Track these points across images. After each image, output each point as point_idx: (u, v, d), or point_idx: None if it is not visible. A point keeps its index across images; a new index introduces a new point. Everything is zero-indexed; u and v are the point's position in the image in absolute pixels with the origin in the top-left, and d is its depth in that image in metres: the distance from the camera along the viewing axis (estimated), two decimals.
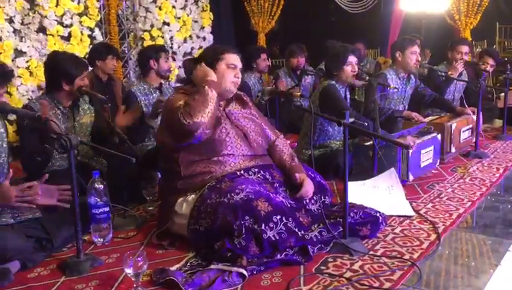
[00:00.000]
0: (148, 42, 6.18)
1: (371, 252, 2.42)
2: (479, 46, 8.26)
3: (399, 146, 3.19)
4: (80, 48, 5.23)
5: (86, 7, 5.40)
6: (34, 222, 2.42)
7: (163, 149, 2.71)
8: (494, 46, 8.46)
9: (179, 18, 6.53)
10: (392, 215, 2.88)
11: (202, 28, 6.93)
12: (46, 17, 5.02)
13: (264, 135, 2.81)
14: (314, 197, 2.68)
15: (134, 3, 6.40)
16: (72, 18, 5.24)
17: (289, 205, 2.50)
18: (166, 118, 2.63)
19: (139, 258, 2.03)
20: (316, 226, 2.53)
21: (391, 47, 4.65)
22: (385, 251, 2.45)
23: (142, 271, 2.06)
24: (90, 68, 4.32)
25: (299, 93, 3.12)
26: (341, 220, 2.50)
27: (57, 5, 5.09)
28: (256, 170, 2.61)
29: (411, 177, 3.50)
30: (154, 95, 3.64)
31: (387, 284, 2.12)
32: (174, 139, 2.55)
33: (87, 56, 4.78)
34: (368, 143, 3.54)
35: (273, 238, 2.28)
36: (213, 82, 2.53)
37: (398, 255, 2.39)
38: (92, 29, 5.45)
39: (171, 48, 6.42)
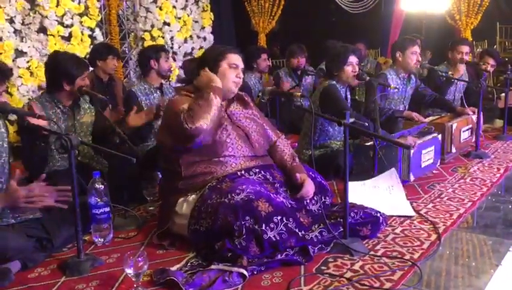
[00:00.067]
0: (148, 42, 6.18)
1: (372, 253, 2.42)
2: (479, 46, 8.26)
3: (399, 146, 3.19)
4: (81, 48, 5.23)
5: (87, 7, 5.41)
6: (34, 222, 2.43)
7: (163, 149, 2.70)
8: (495, 46, 8.47)
9: (180, 18, 6.54)
10: (392, 216, 2.87)
11: (203, 28, 6.93)
12: (46, 17, 5.03)
13: (265, 135, 2.81)
14: (315, 198, 2.68)
15: (135, 4, 6.41)
16: (72, 18, 5.24)
17: (290, 206, 2.50)
18: (168, 120, 2.61)
19: (139, 259, 2.03)
20: (316, 226, 2.53)
21: (391, 47, 4.65)
22: (386, 251, 2.45)
23: (143, 271, 2.06)
24: (91, 68, 4.33)
25: (299, 94, 3.12)
26: (341, 220, 2.49)
27: (57, 5, 5.10)
28: (257, 170, 2.61)
29: (412, 178, 3.50)
30: (154, 95, 3.64)
31: (387, 285, 2.12)
32: (175, 141, 2.55)
33: (87, 56, 4.78)
34: (369, 143, 3.54)
35: (274, 239, 2.28)
36: (218, 88, 2.53)
37: (399, 256, 2.38)
38: (92, 30, 5.45)
39: (172, 48, 6.43)
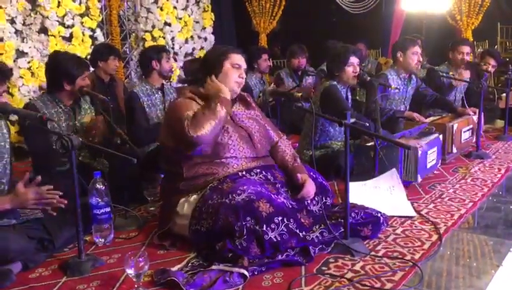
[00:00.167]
0: (149, 43, 6.19)
1: (372, 253, 2.42)
2: (480, 46, 8.25)
3: (400, 147, 3.18)
4: (82, 49, 5.24)
5: (88, 8, 5.42)
6: (35, 223, 2.43)
7: (165, 150, 2.70)
8: (496, 47, 8.46)
9: (180, 19, 6.54)
10: (393, 216, 2.87)
11: (203, 28, 6.94)
12: (47, 17, 5.03)
13: (267, 135, 2.81)
14: (316, 198, 2.68)
15: (136, 4, 6.42)
16: (73, 19, 5.25)
17: (290, 206, 2.50)
18: (171, 123, 2.59)
19: (140, 259, 2.03)
20: (317, 226, 2.53)
21: (392, 47, 4.64)
22: (386, 251, 2.44)
23: (144, 272, 2.06)
24: (92, 69, 4.33)
25: (300, 94, 3.12)
26: (342, 220, 2.49)
27: (58, 6, 5.11)
28: (258, 170, 2.61)
29: (419, 179, 3.44)
30: (156, 95, 3.65)
31: (388, 285, 2.12)
32: (176, 145, 2.55)
33: (89, 57, 4.79)
34: (369, 144, 3.54)
35: (275, 239, 2.28)
36: (226, 100, 2.53)
37: (400, 256, 2.38)
38: (93, 30, 5.46)
39: (173, 48, 6.43)
